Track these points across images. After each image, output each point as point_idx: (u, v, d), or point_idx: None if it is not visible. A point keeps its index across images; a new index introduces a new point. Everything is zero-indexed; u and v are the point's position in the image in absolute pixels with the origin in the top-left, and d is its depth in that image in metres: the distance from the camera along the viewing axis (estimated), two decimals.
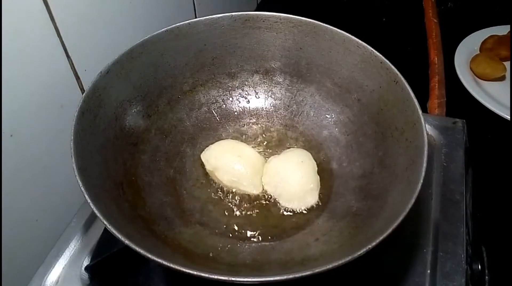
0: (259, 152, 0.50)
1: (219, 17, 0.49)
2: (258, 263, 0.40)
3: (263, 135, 0.52)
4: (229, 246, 0.41)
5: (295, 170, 0.45)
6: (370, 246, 0.32)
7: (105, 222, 0.32)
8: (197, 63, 0.51)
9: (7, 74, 0.42)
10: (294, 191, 0.44)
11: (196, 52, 0.50)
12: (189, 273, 0.30)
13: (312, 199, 0.45)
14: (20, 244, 0.50)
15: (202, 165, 0.48)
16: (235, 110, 0.53)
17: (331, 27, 0.48)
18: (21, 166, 0.47)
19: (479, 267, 0.46)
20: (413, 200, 0.34)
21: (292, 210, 0.45)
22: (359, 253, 0.31)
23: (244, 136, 0.52)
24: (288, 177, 0.45)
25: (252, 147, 0.50)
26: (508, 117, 0.69)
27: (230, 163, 0.46)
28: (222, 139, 0.50)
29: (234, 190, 0.46)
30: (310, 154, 0.47)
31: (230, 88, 0.53)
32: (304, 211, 0.44)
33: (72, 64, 0.50)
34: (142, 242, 0.33)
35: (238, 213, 0.45)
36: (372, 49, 0.45)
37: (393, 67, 0.44)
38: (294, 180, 0.45)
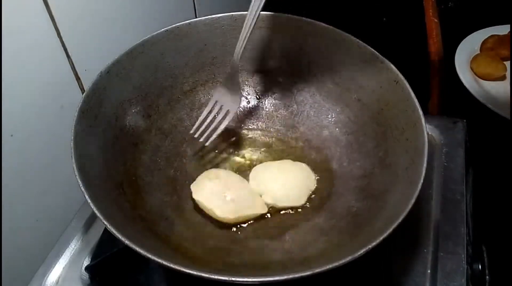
0: (259, 153, 0.50)
1: (219, 17, 0.49)
2: (258, 263, 0.40)
3: (263, 135, 0.52)
4: (229, 246, 0.41)
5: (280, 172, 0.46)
6: (370, 246, 0.32)
7: (105, 222, 0.32)
8: (197, 63, 0.51)
9: (7, 74, 0.42)
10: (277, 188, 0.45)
11: (196, 52, 0.50)
12: (189, 273, 0.30)
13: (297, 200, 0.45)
14: (20, 244, 0.50)
15: (204, 166, 0.48)
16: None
17: (331, 27, 0.48)
18: (21, 166, 0.47)
19: (480, 267, 0.46)
20: (413, 200, 0.34)
21: (291, 207, 0.45)
22: (359, 253, 0.31)
23: (244, 137, 0.52)
24: (273, 176, 0.46)
25: (252, 148, 0.51)
26: (509, 117, 0.69)
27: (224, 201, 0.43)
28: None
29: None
30: (304, 167, 0.47)
31: None
32: (305, 211, 0.44)
33: (72, 64, 0.50)
34: (142, 242, 0.33)
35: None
36: (373, 49, 0.45)
37: (393, 67, 0.44)
38: (278, 178, 0.45)
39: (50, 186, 0.52)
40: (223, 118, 0.46)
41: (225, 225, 0.43)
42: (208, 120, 0.47)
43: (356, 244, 0.34)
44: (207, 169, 0.48)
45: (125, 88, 0.45)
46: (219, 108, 0.47)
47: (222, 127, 0.46)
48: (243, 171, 0.48)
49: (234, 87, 0.46)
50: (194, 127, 0.48)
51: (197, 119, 0.51)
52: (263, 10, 0.46)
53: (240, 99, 0.48)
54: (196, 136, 0.47)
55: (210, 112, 0.47)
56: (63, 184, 0.53)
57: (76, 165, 0.36)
